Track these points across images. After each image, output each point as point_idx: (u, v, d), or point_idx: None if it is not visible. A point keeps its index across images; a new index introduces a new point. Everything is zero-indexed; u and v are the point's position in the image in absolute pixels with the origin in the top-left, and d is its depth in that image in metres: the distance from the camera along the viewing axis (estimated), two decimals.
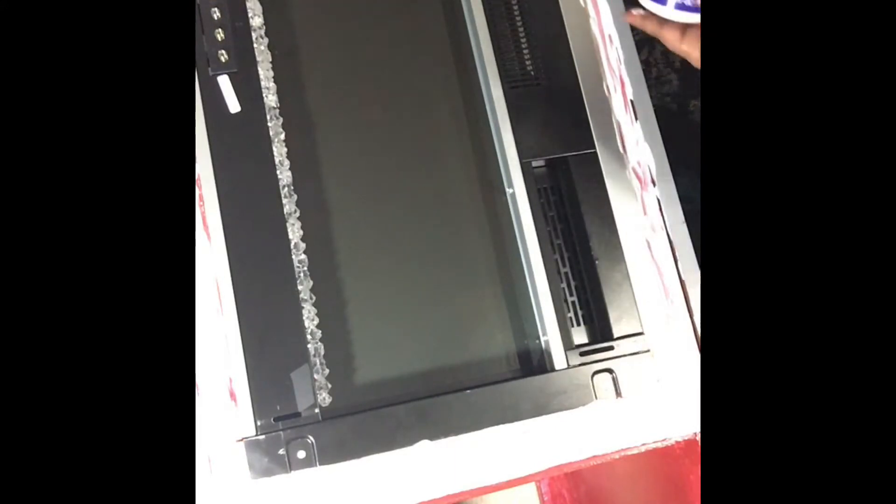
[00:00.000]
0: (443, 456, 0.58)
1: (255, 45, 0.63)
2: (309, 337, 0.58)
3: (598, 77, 0.66)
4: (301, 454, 0.55)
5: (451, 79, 0.67)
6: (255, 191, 0.60)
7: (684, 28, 0.59)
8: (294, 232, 0.60)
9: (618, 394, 0.59)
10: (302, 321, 0.58)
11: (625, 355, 0.60)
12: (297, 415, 0.56)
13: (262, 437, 0.55)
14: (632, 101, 0.67)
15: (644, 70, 0.67)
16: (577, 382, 0.58)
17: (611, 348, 0.60)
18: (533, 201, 0.62)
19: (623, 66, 0.68)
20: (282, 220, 0.59)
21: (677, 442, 0.61)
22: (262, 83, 0.62)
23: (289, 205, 0.61)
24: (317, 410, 0.56)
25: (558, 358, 0.59)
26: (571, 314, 0.62)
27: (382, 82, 0.66)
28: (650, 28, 0.61)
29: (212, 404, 0.57)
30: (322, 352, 0.59)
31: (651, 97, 0.67)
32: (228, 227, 0.59)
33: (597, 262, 0.61)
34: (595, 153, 0.64)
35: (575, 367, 0.59)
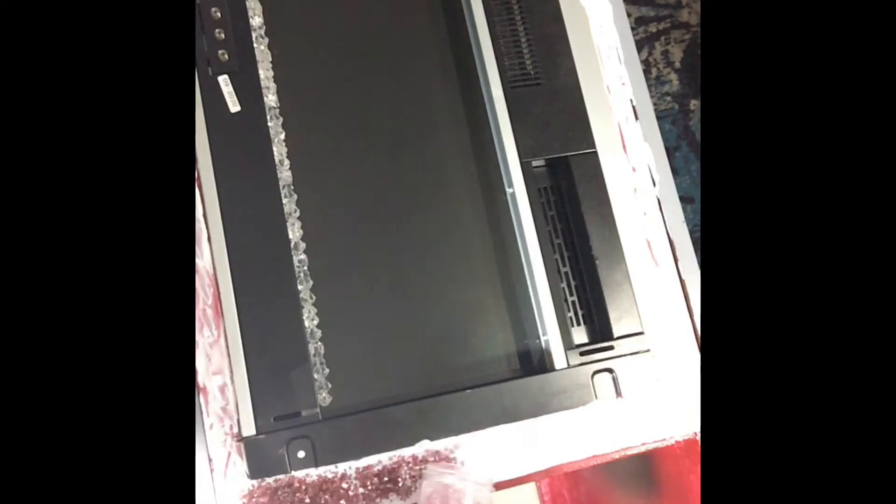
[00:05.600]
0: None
1: (255, 45, 0.63)
2: (309, 337, 0.58)
3: (598, 77, 0.66)
4: (301, 454, 0.55)
5: (452, 79, 0.67)
6: (255, 191, 0.60)
7: None
8: (294, 232, 0.60)
9: (618, 394, 0.59)
10: (302, 321, 0.58)
11: (625, 355, 0.60)
12: (297, 415, 0.56)
13: (262, 436, 0.55)
14: (632, 101, 0.67)
15: (644, 70, 0.67)
16: (577, 382, 0.58)
17: (611, 348, 0.60)
18: (533, 201, 0.62)
19: (623, 66, 0.68)
20: (282, 220, 0.59)
21: (677, 442, 0.61)
22: (262, 83, 0.62)
23: (289, 205, 0.61)
24: (317, 410, 0.56)
25: (558, 358, 0.59)
26: (571, 314, 0.62)
27: (382, 82, 0.66)
28: None
29: (212, 404, 0.57)
30: (322, 352, 0.59)
31: (651, 97, 0.67)
32: (228, 227, 0.59)
33: (597, 262, 0.61)
34: (595, 153, 0.64)
35: (575, 366, 0.59)
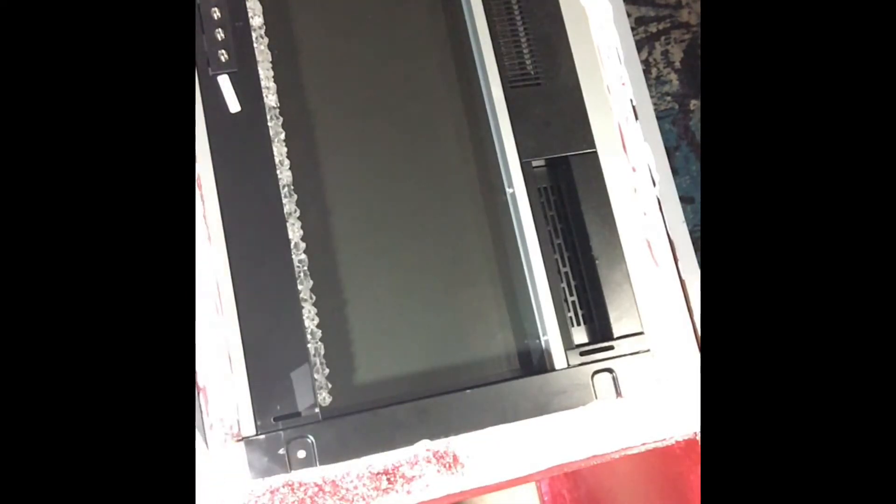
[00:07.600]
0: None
1: (255, 45, 0.63)
2: (309, 337, 0.58)
3: (598, 77, 0.66)
4: (301, 454, 0.55)
5: (451, 79, 0.67)
6: (255, 191, 0.60)
7: None
8: (294, 232, 0.60)
9: (618, 394, 0.59)
10: (302, 321, 0.58)
11: (625, 355, 0.60)
12: (297, 415, 0.56)
13: (262, 436, 0.55)
14: (632, 101, 0.67)
15: (644, 70, 0.67)
16: (577, 382, 0.58)
17: (611, 348, 0.60)
18: (533, 201, 0.62)
19: (623, 66, 0.68)
20: (282, 220, 0.59)
21: (677, 442, 0.61)
22: (262, 83, 0.62)
23: (289, 205, 0.61)
24: (317, 410, 0.56)
25: (558, 358, 0.59)
26: (571, 314, 0.62)
27: (382, 82, 0.66)
28: None
29: (212, 404, 0.57)
30: (322, 352, 0.59)
31: (651, 97, 0.67)
32: (228, 227, 0.59)
33: (597, 262, 0.61)
34: (595, 153, 0.64)
35: (575, 366, 0.59)
